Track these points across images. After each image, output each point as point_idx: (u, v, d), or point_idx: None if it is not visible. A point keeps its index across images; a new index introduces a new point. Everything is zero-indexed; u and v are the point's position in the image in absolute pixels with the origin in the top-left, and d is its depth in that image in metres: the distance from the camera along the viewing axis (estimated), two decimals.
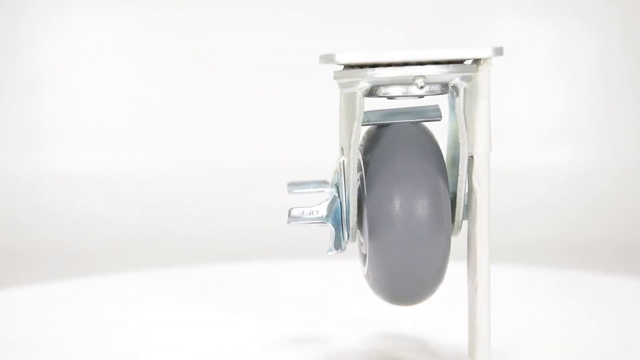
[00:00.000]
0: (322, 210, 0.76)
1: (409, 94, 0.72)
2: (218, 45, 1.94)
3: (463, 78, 0.72)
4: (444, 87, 0.73)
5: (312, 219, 0.75)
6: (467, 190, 0.74)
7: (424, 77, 0.71)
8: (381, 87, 0.72)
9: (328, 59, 0.70)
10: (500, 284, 1.22)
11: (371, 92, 0.72)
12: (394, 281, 0.72)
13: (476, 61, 0.74)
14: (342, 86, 0.74)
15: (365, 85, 0.71)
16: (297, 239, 1.57)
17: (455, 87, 0.73)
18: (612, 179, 1.86)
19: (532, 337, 0.96)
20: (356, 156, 0.74)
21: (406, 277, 0.72)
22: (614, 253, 1.58)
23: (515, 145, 1.92)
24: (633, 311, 1.09)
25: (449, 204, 0.72)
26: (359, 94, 0.71)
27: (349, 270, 1.00)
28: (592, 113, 1.97)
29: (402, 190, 0.71)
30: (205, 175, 1.86)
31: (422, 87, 0.71)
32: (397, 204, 0.71)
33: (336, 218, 0.75)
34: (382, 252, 0.71)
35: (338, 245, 0.75)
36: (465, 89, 0.73)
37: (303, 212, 0.76)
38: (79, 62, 1.96)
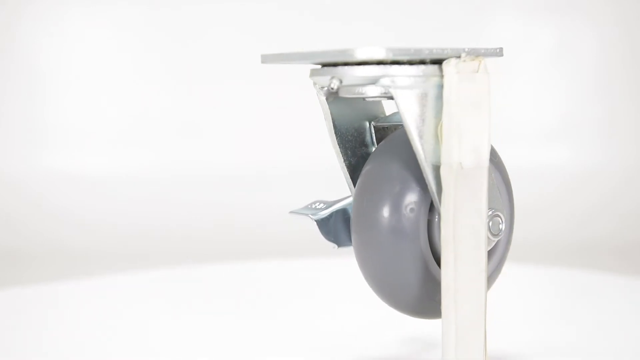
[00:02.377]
0: (322, 206, 0.76)
1: (364, 95, 0.68)
2: (218, 45, 1.94)
3: (384, 79, 0.67)
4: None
5: (306, 210, 0.75)
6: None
7: (339, 79, 0.69)
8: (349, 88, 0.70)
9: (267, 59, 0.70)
10: (499, 283, 1.22)
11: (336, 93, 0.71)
12: (369, 284, 0.73)
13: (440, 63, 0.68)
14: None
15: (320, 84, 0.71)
16: (298, 239, 1.57)
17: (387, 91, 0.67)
18: (612, 179, 1.86)
19: (532, 337, 0.96)
20: (340, 157, 0.75)
21: (372, 284, 0.72)
22: (614, 253, 1.59)
23: (515, 145, 1.92)
24: (633, 311, 1.09)
25: (413, 211, 0.70)
26: (318, 94, 0.72)
27: (350, 269, 1.00)
28: (592, 113, 1.97)
29: (365, 194, 0.71)
30: (206, 176, 1.86)
31: (335, 89, 0.69)
32: (359, 206, 0.71)
33: (338, 215, 0.76)
34: (355, 252, 0.73)
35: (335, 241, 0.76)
36: (405, 92, 0.67)
37: (311, 205, 0.77)
38: (79, 63, 1.96)
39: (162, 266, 1.38)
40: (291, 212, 0.76)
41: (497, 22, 2.00)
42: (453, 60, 0.67)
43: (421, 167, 0.67)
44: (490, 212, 0.71)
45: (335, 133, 0.76)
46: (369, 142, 0.76)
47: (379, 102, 0.74)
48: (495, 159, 0.73)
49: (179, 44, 1.96)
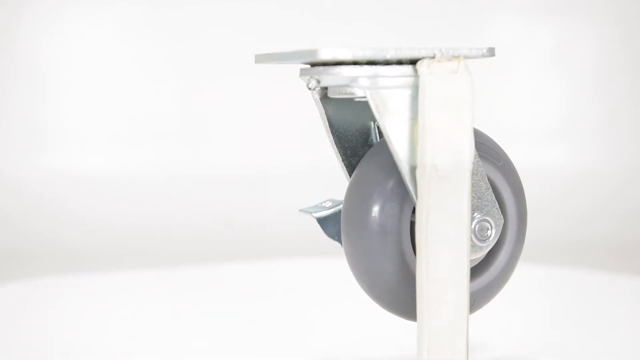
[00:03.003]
0: (330, 204, 0.76)
1: (353, 96, 0.68)
2: (219, 45, 1.94)
3: (354, 80, 0.66)
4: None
5: (312, 209, 0.75)
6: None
7: (317, 79, 0.68)
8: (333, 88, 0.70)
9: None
10: None
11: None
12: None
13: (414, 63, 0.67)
14: None
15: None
16: (298, 239, 1.57)
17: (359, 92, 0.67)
18: (612, 179, 1.86)
19: (532, 336, 0.96)
20: (339, 157, 0.75)
21: (359, 284, 0.73)
22: (614, 253, 1.58)
23: (515, 145, 1.92)
24: (633, 311, 1.09)
25: (393, 213, 0.69)
26: (312, 94, 0.72)
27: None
28: (592, 113, 1.97)
29: (350, 195, 0.71)
30: (206, 176, 1.86)
31: (314, 89, 0.70)
32: (345, 208, 0.71)
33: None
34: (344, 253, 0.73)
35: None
36: (378, 92, 0.66)
37: (321, 203, 0.77)
38: (79, 63, 1.96)
39: (162, 266, 1.38)
40: (300, 210, 0.76)
41: (497, 22, 2.00)
42: (426, 61, 0.66)
43: (399, 168, 0.67)
44: (477, 217, 0.69)
45: (333, 133, 0.75)
46: (372, 143, 0.76)
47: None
48: (499, 162, 0.72)
49: (179, 44, 1.96)
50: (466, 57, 0.69)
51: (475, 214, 0.69)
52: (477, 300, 0.73)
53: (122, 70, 1.96)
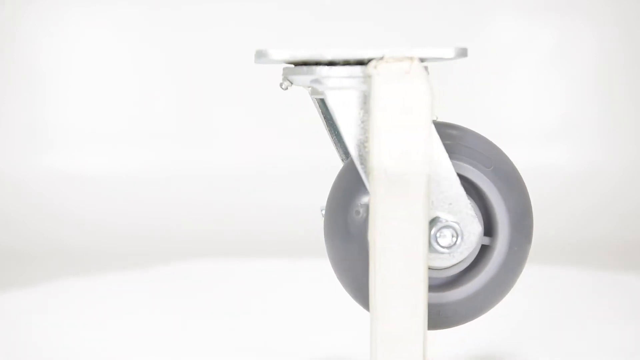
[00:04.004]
0: None
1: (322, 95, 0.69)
2: (219, 45, 1.94)
3: (314, 81, 0.67)
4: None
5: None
6: None
7: (289, 80, 0.69)
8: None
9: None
10: None
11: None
12: None
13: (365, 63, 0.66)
14: None
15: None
16: (299, 239, 1.57)
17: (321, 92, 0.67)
18: (612, 179, 1.86)
19: (531, 336, 0.96)
20: (340, 155, 0.76)
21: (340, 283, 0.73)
22: (614, 253, 1.58)
23: (515, 145, 1.92)
24: (633, 311, 1.09)
25: (359, 215, 0.69)
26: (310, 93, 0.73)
27: None
28: (592, 113, 1.97)
29: (328, 197, 0.72)
30: (206, 176, 1.86)
31: (285, 89, 0.70)
32: (326, 210, 0.72)
33: None
34: None
35: None
36: (333, 93, 0.66)
37: None
38: (79, 63, 1.96)
39: (162, 266, 1.38)
40: (321, 208, 0.76)
41: (497, 22, 2.00)
42: (374, 62, 0.65)
43: (358, 170, 0.66)
44: (440, 223, 0.68)
45: (332, 132, 0.76)
46: None
47: None
48: (489, 168, 0.69)
49: (179, 44, 1.95)
50: (436, 58, 0.67)
51: (438, 220, 0.67)
52: (460, 309, 0.71)
53: (122, 70, 1.96)
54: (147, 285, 1.25)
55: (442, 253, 0.68)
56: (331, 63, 0.66)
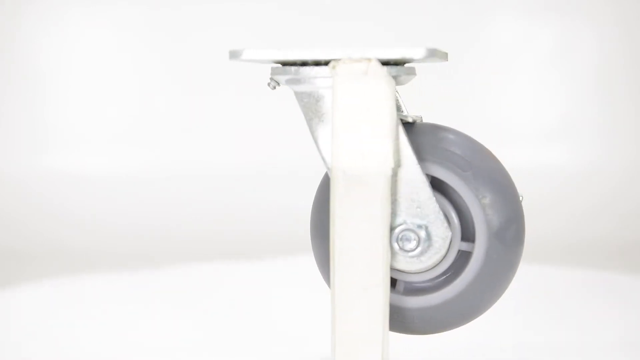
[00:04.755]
0: None
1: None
2: (218, 45, 1.94)
3: (292, 81, 0.67)
4: None
5: None
6: None
7: (275, 80, 0.69)
8: None
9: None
10: None
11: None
12: None
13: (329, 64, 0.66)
14: None
15: None
16: (299, 239, 1.57)
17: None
18: (612, 179, 1.86)
19: (531, 336, 0.96)
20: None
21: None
22: (614, 253, 1.58)
23: (515, 145, 1.92)
24: (633, 311, 1.09)
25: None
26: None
27: None
28: (592, 113, 1.97)
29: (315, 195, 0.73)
30: (206, 176, 1.86)
31: (273, 89, 0.70)
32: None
33: None
34: None
35: None
36: (301, 93, 0.67)
37: None
38: (79, 62, 1.96)
39: (162, 266, 1.38)
40: None
41: (497, 22, 2.00)
42: (333, 62, 0.65)
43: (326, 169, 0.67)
44: (402, 226, 0.66)
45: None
46: None
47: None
48: (466, 172, 0.67)
49: (179, 44, 1.95)
50: (405, 60, 0.66)
51: (403, 223, 0.66)
52: (438, 315, 0.69)
53: (122, 70, 1.96)
54: (147, 285, 1.25)
55: (410, 256, 0.67)
56: (304, 63, 0.67)
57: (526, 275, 1.28)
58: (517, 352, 0.90)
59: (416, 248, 0.66)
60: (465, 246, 0.68)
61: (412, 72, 0.69)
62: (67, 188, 1.82)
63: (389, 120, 0.64)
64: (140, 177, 1.85)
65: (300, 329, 0.98)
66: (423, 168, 0.67)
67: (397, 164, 0.65)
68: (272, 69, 0.69)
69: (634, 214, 1.78)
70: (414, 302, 0.69)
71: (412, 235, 0.66)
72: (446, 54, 0.71)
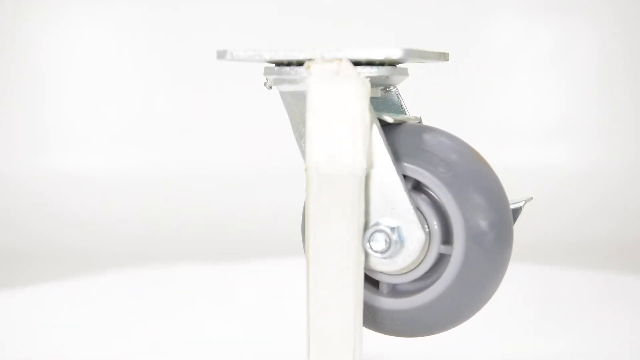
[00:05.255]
0: None
1: None
2: (219, 45, 1.94)
3: (276, 81, 0.68)
4: None
5: None
6: None
7: (270, 79, 0.70)
8: None
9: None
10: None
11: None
12: None
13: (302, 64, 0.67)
14: None
15: None
16: (299, 239, 1.56)
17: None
18: (612, 179, 1.86)
19: (531, 336, 0.96)
20: None
21: None
22: (614, 253, 1.58)
23: (515, 145, 1.92)
24: (633, 311, 1.09)
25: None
26: None
27: None
28: (592, 113, 1.97)
29: None
30: (206, 176, 1.86)
31: (269, 88, 0.71)
32: None
33: None
34: None
35: None
36: (285, 92, 0.68)
37: None
38: (79, 63, 1.96)
39: (162, 266, 1.38)
40: None
41: (497, 22, 2.00)
42: (307, 62, 0.65)
43: None
44: (374, 226, 0.66)
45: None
46: None
47: (392, 98, 0.73)
48: (447, 174, 0.66)
49: (179, 44, 1.95)
50: (384, 60, 0.66)
51: (375, 224, 0.66)
52: (418, 317, 0.68)
53: (122, 70, 1.96)
54: (147, 285, 1.25)
55: (377, 257, 0.66)
56: (289, 63, 0.67)
57: (526, 275, 1.28)
58: (517, 351, 0.90)
59: (386, 249, 0.65)
60: (444, 249, 0.67)
61: (402, 72, 0.69)
62: (67, 188, 1.82)
63: (360, 120, 0.64)
64: (140, 177, 1.85)
65: (301, 327, 0.98)
66: (402, 169, 0.66)
67: (370, 165, 0.65)
68: (264, 69, 0.69)
69: (634, 214, 1.78)
70: (397, 304, 0.69)
71: (383, 237, 0.65)
72: (441, 54, 0.71)
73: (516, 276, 1.28)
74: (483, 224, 0.66)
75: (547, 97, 1.98)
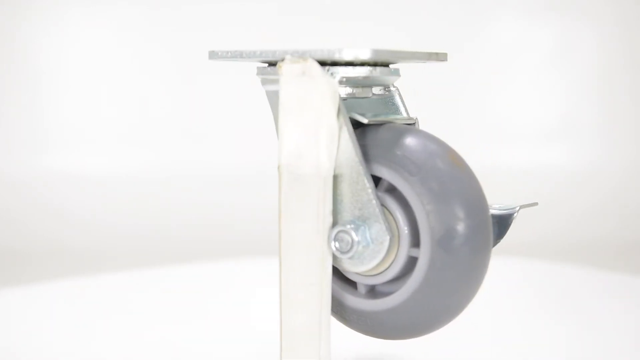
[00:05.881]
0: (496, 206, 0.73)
1: None
2: (219, 45, 1.94)
3: (262, 81, 0.69)
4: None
5: None
6: None
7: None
8: None
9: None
10: (499, 282, 1.22)
11: None
12: None
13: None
14: None
15: None
16: None
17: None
18: (612, 179, 1.86)
19: (531, 335, 0.96)
20: None
21: None
22: (614, 253, 1.59)
23: (515, 145, 1.92)
24: (633, 310, 1.09)
25: None
26: None
27: None
28: (592, 113, 1.97)
29: None
30: (206, 176, 1.86)
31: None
32: None
33: None
34: None
35: None
36: (269, 92, 0.69)
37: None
38: (79, 63, 1.96)
39: (162, 266, 1.38)
40: None
41: (497, 22, 2.00)
42: (280, 62, 0.66)
43: None
44: (339, 227, 0.65)
45: None
46: None
47: (392, 98, 0.72)
48: (414, 176, 0.65)
49: (179, 44, 1.96)
50: (347, 60, 0.66)
51: (341, 223, 0.65)
52: (388, 320, 0.68)
53: (122, 71, 1.97)
54: (147, 285, 1.25)
55: (343, 257, 0.66)
56: (274, 63, 0.68)
57: (526, 274, 1.29)
58: (516, 350, 0.90)
59: (348, 250, 0.65)
60: (414, 252, 0.65)
61: (392, 73, 0.69)
62: (67, 188, 1.82)
63: (325, 121, 0.64)
64: (140, 177, 1.85)
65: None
66: (373, 170, 0.66)
67: (337, 165, 0.65)
68: (257, 69, 0.70)
69: (634, 214, 1.78)
70: (373, 305, 0.69)
71: (346, 237, 0.65)
72: (431, 54, 0.70)
73: (516, 275, 1.28)
74: (449, 228, 0.64)
75: (547, 97, 1.99)
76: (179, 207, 1.79)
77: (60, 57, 1.95)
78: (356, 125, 0.67)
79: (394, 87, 0.72)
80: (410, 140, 0.66)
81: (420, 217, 0.64)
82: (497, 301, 1.11)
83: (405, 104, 0.73)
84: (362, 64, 0.67)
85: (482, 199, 0.65)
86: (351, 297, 0.69)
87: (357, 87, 0.68)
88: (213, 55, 0.72)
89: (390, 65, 0.71)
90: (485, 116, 1.96)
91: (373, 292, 0.69)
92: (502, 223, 0.69)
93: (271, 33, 1.93)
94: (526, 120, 1.97)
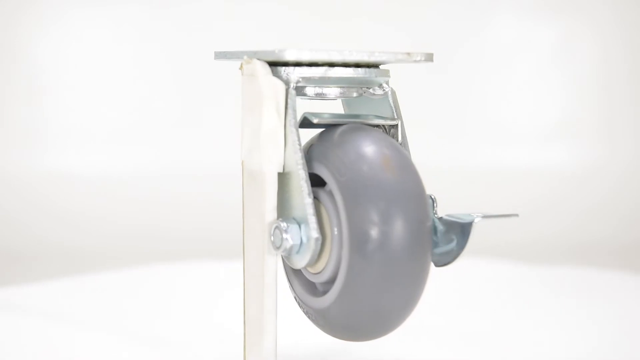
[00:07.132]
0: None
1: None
2: (219, 45, 1.94)
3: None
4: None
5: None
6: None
7: None
8: None
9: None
10: (499, 282, 1.22)
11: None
12: None
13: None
14: None
15: None
16: None
17: None
18: (612, 179, 1.86)
19: (531, 335, 0.96)
20: None
21: None
22: (614, 253, 1.59)
23: (515, 145, 1.92)
24: (633, 310, 1.09)
25: None
26: None
27: None
28: (592, 113, 1.97)
29: None
30: (206, 176, 1.86)
31: None
32: None
33: None
34: None
35: None
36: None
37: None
38: (79, 63, 1.96)
39: (162, 265, 1.38)
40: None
41: (497, 21, 2.00)
42: (242, 62, 0.69)
43: None
44: (276, 223, 0.66)
45: None
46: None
47: (385, 100, 0.72)
48: (342, 178, 0.64)
49: (179, 44, 1.96)
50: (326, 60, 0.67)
51: (280, 220, 0.66)
52: (328, 318, 0.67)
53: (121, 70, 1.96)
54: (147, 285, 1.25)
55: (278, 252, 0.66)
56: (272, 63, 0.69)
57: (526, 274, 1.29)
58: (515, 350, 0.90)
59: (279, 247, 0.66)
60: (341, 254, 0.65)
61: (384, 74, 0.70)
62: (67, 188, 1.82)
63: (266, 120, 0.66)
64: (139, 177, 1.85)
65: (302, 326, 0.98)
66: (317, 169, 0.67)
67: (286, 164, 0.67)
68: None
69: (634, 214, 1.78)
70: (317, 303, 0.69)
71: (279, 234, 0.66)
72: (407, 54, 0.70)
73: (516, 275, 1.28)
74: (363, 232, 0.62)
75: (547, 97, 1.98)
76: (179, 207, 1.79)
77: (60, 57, 1.95)
78: (316, 125, 0.69)
79: (387, 87, 0.72)
80: (350, 143, 0.66)
81: (343, 219, 0.64)
82: (497, 301, 1.11)
83: (398, 105, 0.72)
84: (331, 64, 0.68)
85: (413, 206, 0.63)
86: (309, 296, 0.71)
87: (342, 87, 0.69)
88: (219, 55, 0.73)
89: (381, 66, 0.71)
90: (485, 116, 1.96)
91: (316, 290, 0.71)
92: (463, 231, 0.65)
93: (271, 33, 1.93)
94: (526, 120, 1.97)
